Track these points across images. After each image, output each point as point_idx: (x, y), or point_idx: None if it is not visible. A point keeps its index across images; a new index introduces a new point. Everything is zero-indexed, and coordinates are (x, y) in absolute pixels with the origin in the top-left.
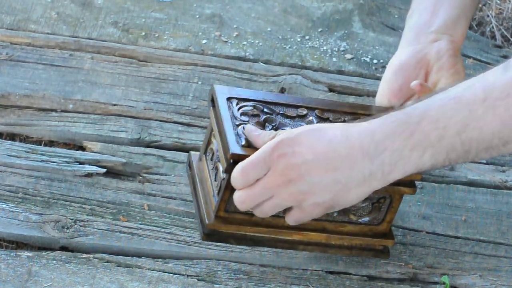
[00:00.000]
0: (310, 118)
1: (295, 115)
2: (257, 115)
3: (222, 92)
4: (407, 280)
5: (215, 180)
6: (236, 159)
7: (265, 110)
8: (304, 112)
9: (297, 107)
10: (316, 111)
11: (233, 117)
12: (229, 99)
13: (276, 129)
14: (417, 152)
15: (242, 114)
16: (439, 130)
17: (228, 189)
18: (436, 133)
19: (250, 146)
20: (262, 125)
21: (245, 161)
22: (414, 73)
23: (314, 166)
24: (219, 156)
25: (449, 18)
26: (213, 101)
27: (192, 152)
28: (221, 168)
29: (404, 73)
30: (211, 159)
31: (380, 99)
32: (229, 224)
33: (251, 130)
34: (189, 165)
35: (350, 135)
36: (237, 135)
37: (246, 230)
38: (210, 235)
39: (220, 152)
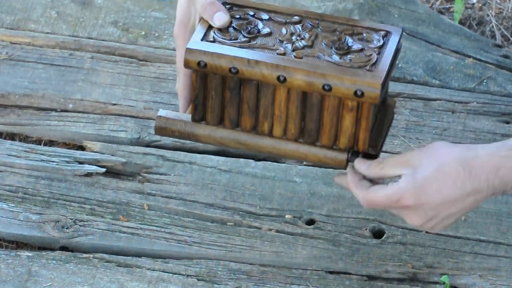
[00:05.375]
0: (303, 24)
1: (284, 21)
2: (239, 18)
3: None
4: (407, 280)
5: None
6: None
7: (250, 13)
8: (297, 19)
9: (291, 15)
10: (309, 20)
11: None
12: (223, 4)
13: (252, 33)
14: None
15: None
16: None
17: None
18: None
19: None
20: (239, 29)
21: (370, 197)
22: None
23: (442, 208)
24: None
25: None
26: None
27: None
28: None
29: None
30: None
31: None
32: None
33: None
34: None
35: (474, 170)
36: (205, 34)
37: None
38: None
39: None
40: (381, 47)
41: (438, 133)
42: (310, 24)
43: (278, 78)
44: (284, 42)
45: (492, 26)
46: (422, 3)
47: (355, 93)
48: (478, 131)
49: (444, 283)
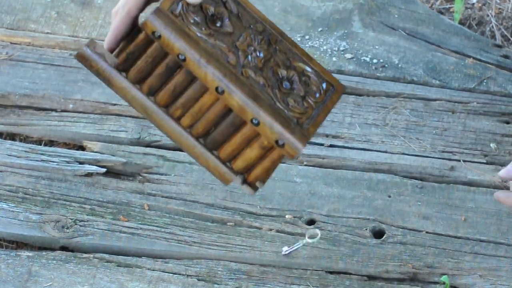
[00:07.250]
0: (263, 37)
1: (248, 25)
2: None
3: None
4: (407, 280)
5: None
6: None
7: (226, 5)
8: (260, 28)
9: (257, 21)
10: (270, 36)
11: None
12: None
13: (214, 24)
14: None
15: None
16: None
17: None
18: None
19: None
20: (205, 13)
21: None
22: None
23: None
24: None
25: None
26: None
27: None
28: None
29: None
30: None
31: None
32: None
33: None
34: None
35: None
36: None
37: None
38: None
39: None
40: (319, 103)
41: (438, 133)
42: (269, 40)
43: (217, 88)
44: (239, 51)
45: (492, 26)
46: (422, 3)
47: (277, 141)
48: (478, 131)
49: (444, 283)
